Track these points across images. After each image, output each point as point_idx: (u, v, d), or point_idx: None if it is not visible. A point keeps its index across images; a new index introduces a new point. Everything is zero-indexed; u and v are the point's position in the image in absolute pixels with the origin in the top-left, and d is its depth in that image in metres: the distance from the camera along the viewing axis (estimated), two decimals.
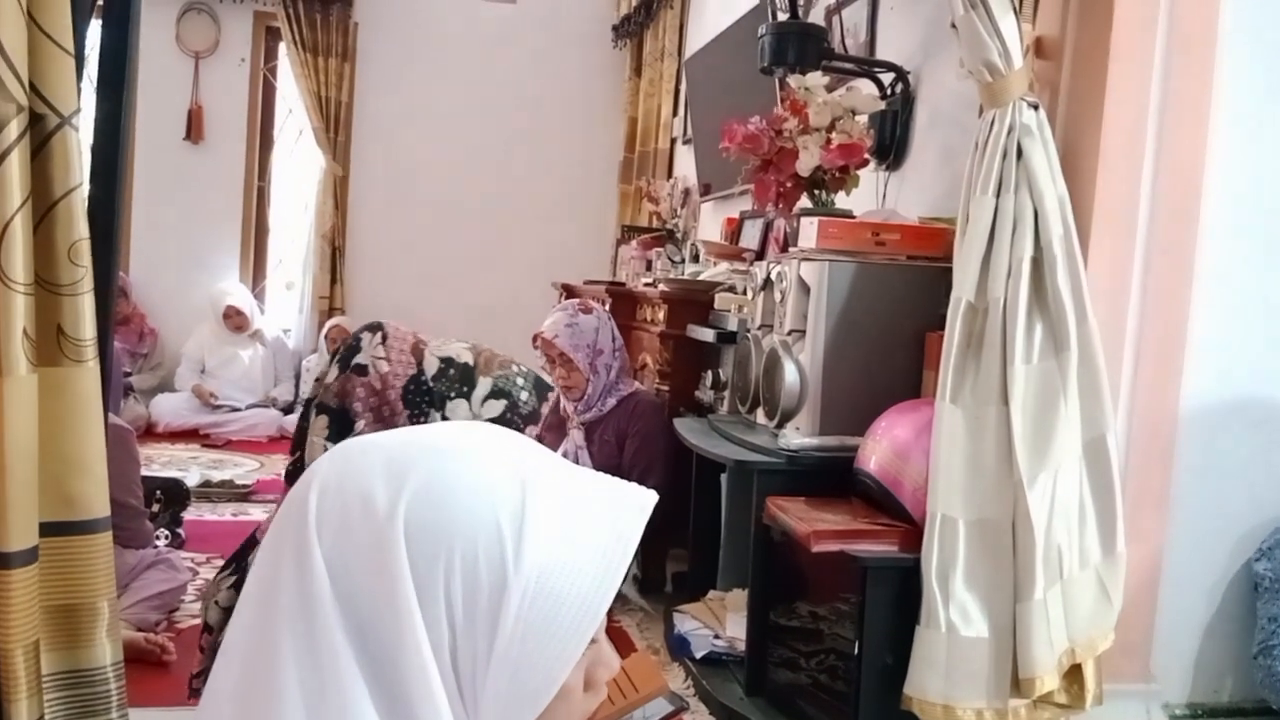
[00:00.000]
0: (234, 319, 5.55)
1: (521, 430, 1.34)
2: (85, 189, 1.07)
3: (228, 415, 5.37)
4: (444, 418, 1.31)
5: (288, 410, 5.57)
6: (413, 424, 1.31)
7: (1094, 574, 1.85)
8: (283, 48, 5.81)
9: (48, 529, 1.02)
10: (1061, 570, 1.82)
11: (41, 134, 0.98)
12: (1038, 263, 1.90)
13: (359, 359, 1.33)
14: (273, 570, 0.69)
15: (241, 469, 4.61)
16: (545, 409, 1.38)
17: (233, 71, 5.84)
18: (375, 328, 1.38)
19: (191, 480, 4.02)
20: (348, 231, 5.94)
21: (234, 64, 5.84)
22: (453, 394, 1.32)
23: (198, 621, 2.74)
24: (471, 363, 1.36)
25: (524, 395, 1.37)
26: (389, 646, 0.65)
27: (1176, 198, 1.99)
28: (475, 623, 0.66)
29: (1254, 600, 2.10)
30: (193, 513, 3.63)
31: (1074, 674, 1.84)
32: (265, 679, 0.66)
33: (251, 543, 1.50)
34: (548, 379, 1.46)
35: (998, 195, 1.92)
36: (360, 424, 1.30)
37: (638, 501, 0.73)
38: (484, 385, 1.35)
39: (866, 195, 2.70)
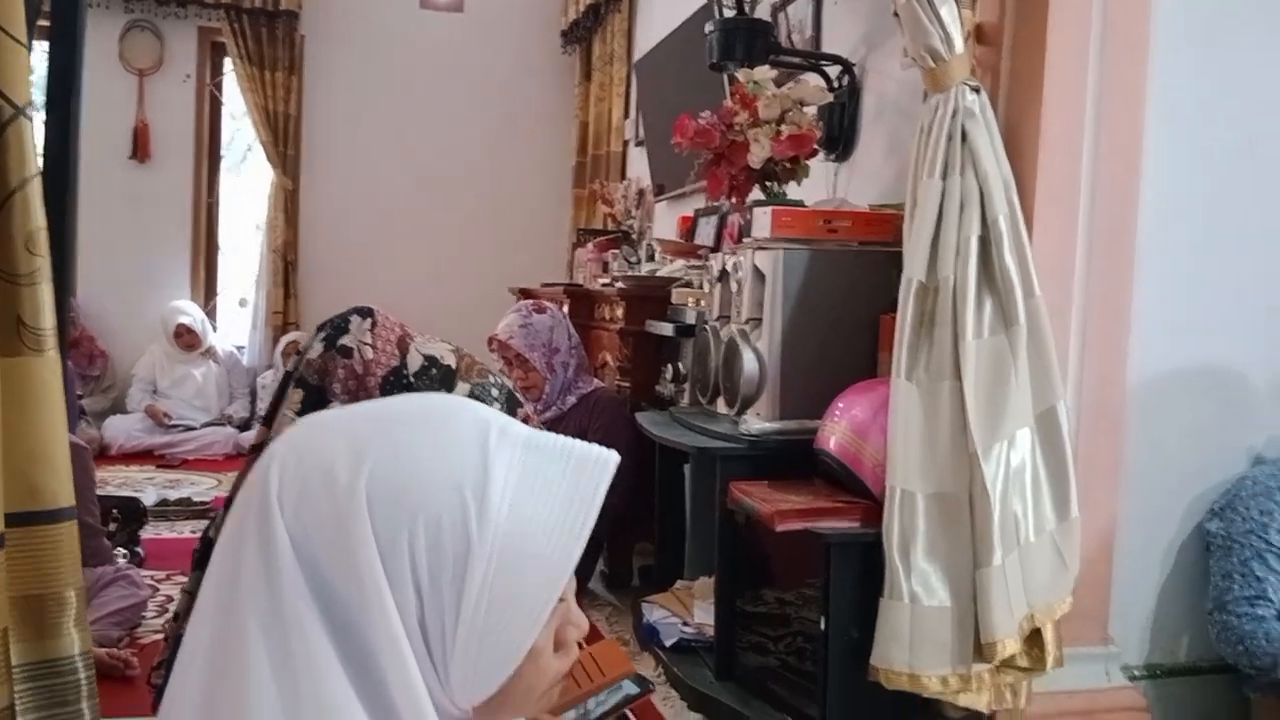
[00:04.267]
0: (185, 337, 5.48)
1: None
2: (39, 181, 1.07)
3: (182, 435, 5.31)
4: None
5: (244, 427, 5.51)
6: None
7: (1050, 540, 1.90)
8: (228, 62, 5.77)
9: (12, 520, 1.01)
10: (1018, 537, 1.87)
11: None
12: (985, 241, 1.95)
13: (345, 340, 1.34)
14: (236, 546, 0.69)
15: (199, 487, 4.55)
16: None
17: (178, 88, 5.79)
18: (365, 313, 1.40)
19: (148, 500, 3.96)
20: (300, 245, 5.91)
21: (179, 80, 5.79)
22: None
23: (160, 637, 2.72)
24: (454, 365, 1.39)
25: (495, 407, 1.41)
26: (356, 615, 0.66)
27: (1116, 175, 2.05)
28: (441, 590, 0.67)
29: (1206, 561, 2.16)
30: (151, 531, 3.59)
31: (1034, 638, 1.89)
32: (234, 653, 0.66)
33: (207, 543, 1.50)
34: (520, 396, 1.50)
35: (944, 177, 1.97)
36: (334, 405, 1.31)
37: (599, 461, 0.74)
38: (461, 389, 1.38)
39: (817, 186, 2.75)
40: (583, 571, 3.04)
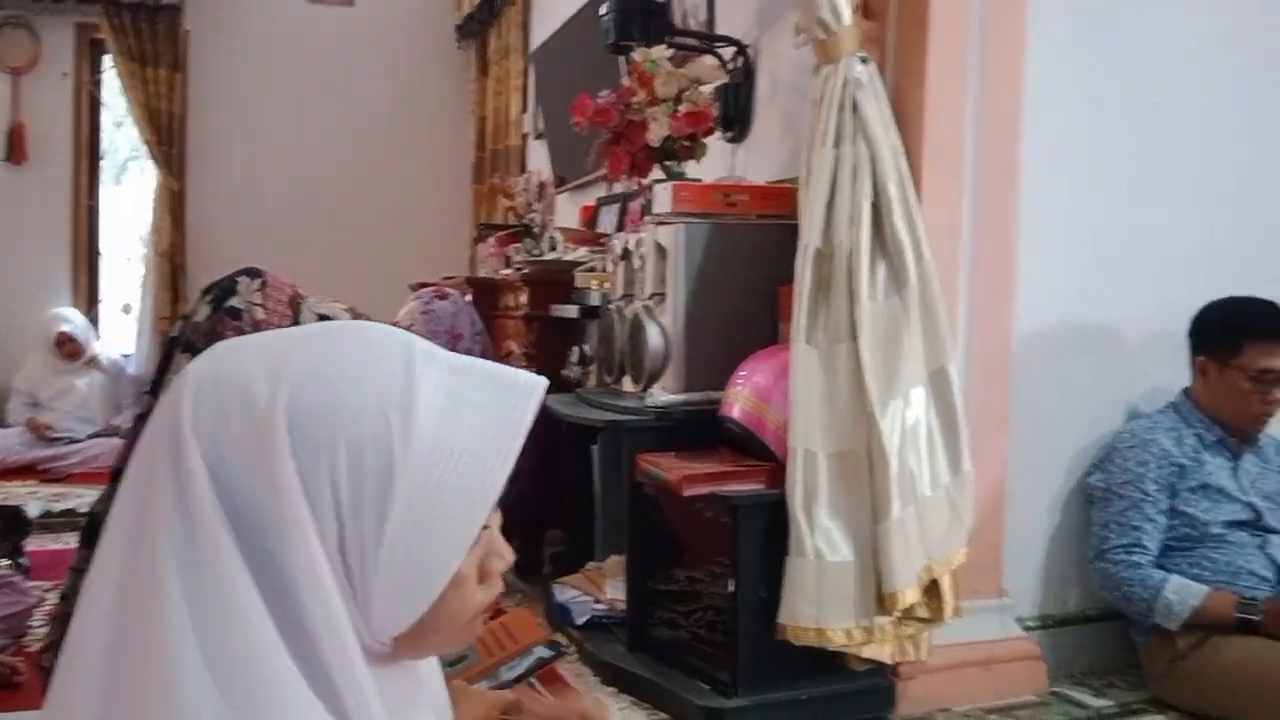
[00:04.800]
0: (67, 346, 5.22)
1: None
2: None
3: (66, 448, 5.05)
4: None
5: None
6: None
7: (945, 493, 1.97)
8: (108, 60, 5.55)
9: None
10: (915, 492, 1.93)
11: None
12: (877, 207, 2.01)
13: (234, 302, 1.30)
14: (145, 476, 0.66)
15: (86, 499, 4.35)
16: None
17: (55, 87, 5.55)
18: (254, 273, 1.35)
19: (32, 512, 3.76)
20: (188, 248, 5.70)
21: (56, 79, 5.55)
22: None
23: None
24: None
25: None
26: (273, 539, 0.64)
27: (998, 142, 2.15)
28: (363, 511, 0.65)
29: (1090, 512, 2.27)
30: (35, 543, 3.41)
31: (933, 590, 1.95)
32: (145, 584, 0.64)
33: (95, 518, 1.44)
34: None
35: (837, 146, 2.03)
36: None
37: (527, 386, 0.73)
38: None
39: (715, 166, 2.79)
40: None
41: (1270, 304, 2.17)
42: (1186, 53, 2.38)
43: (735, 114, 2.81)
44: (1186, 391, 2.27)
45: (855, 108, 2.02)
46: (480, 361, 0.74)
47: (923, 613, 1.94)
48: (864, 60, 2.04)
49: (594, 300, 2.90)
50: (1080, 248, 2.28)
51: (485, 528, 0.72)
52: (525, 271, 3.21)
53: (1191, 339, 2.25)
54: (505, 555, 0.76)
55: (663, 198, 2.34)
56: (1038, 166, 2.19)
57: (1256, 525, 2.19)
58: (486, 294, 3.58)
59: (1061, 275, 2.26)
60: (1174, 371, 2.29)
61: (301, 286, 1.39)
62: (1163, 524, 2.17)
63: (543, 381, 0.74)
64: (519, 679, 1.66)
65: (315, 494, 0.64)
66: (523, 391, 0.72)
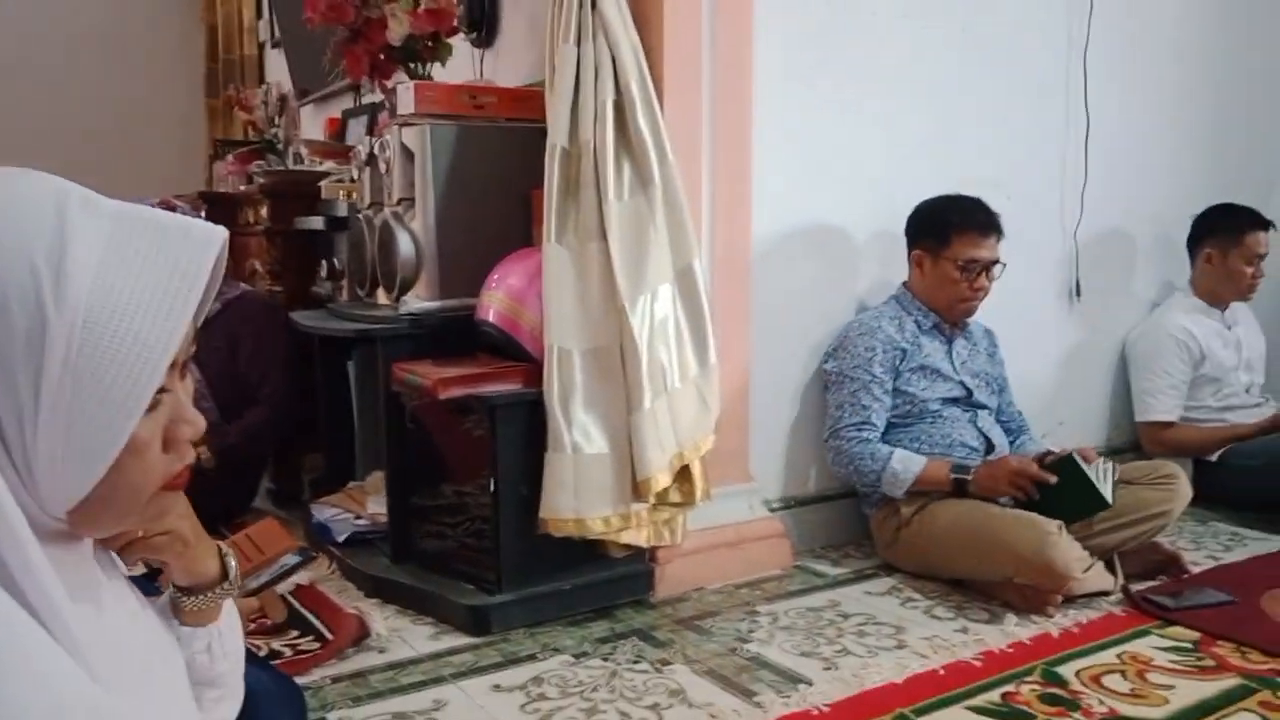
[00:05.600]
0: None
1: None
2: None
3: None
4: None
5: None
6: None
7: (693, 385, 2.06)
8: None
9: None
10: (666, 384, 2.00)
11: None
12: (620, 106, 2.03)
13: None
14: None
15: None
16: None
17: None
18: None
19: None
20: None
21: None
22: None
23: None
24: None
25: None
26: None
27: (731, 46, 2.21)
28: (13, 374, 0.61)
29: (825, 396, 2.44)
30: None
31: (685, 476, 2.05)
32: None
33: None
34: None
35: (579, 43, 2.03)
36: None
37: (202, 235, 0.69)
38: None
39: (463, 70, 2.72)
40: (247, 488, 2.89)
41: (974, 200, 2.39)
42: None
43: (481, 16, 2.75)
44: (906, 284, 2.48)
45: (595, 4, 2.02)
46: (152, 210, 0.69)
47: (675, 498, 2.03)
48: None
49: (341, 211, 2.79)
50: (808, 151, 2.40)
51: (166, 391, 0.69)
52: (264, 183, 3.02)
53: (907, 235, 2.45)
54: (195, 422, 0.73)
55: (406, 99, 2.26)
56: (769, 73, 2.28)
57: (967, 401, 2.43)
58: (224, 210, 3.32)
59: (793, 179, 2.38)
60: (893, 266, 2.48)
61: None
62: (888, 403, 2.36)
63: (221, 231, 0.71)
64: (264, 587, 1.62)
65: None
66: (198, 241, 0.69)
